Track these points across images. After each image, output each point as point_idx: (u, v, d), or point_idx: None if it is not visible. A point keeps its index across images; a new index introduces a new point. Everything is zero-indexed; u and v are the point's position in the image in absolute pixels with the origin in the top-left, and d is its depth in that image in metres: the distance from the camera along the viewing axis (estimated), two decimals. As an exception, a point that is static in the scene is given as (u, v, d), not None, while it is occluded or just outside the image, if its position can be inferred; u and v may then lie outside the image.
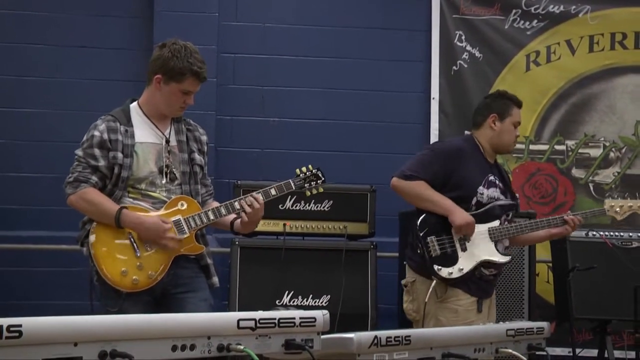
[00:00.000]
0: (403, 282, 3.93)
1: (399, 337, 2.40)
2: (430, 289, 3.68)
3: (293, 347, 2.22)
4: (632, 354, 5.09)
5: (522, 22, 5.86)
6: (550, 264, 5.26)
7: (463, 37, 5.85)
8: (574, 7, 5.86)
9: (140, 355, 1.90)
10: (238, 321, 2.12)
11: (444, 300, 3.72)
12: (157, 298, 3.24)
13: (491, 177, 3.87)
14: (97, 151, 3.23)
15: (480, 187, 3.81)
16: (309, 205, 4.72)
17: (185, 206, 3.28)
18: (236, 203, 3.32)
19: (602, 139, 5.86)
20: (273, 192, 3.38)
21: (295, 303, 4.53)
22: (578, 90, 5.87)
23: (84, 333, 1.83)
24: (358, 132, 5.80)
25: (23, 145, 5.59)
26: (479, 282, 3.78)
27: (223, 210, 3.31)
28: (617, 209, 4.03)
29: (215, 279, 3.38)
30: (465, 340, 2.67)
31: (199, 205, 3.33)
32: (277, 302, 4.50)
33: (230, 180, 5.04)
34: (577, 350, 4.82)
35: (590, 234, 4.77)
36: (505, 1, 5.86)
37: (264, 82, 5.79)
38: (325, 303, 4.55)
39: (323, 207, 4.74)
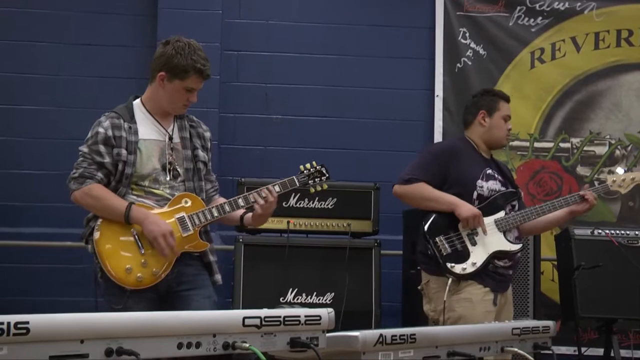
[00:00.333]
0: (419, 287, 3.95)
1: (404, 335, 2.38)
2: (448, 286, 3.68)
3: (298, 345, 2.21)
4: (639, 353, 5.07)
5: (526, 19, 5.84)
6: (555, 262, 5.25)
7: (467, 34, 5.83)
8: (579, 3, 5.84)
9: (146, 353, 1.89)
10: (243, 319, 2.11)
11: (459, 292, 3.74)
12: (162, 295, 3.23)
13: (489, 171, 3.91)
14: (102, 148, 3.22)
15: (479, 181, 3.85)
16: (312, 203, 4.71)
17: (189, 203, 3.28)
18: (240, 200, 3.32)
19: (608, 136, 5.84)
20: (277, 188, 3.38)
21: (299, 300, 4.52)
22: (583, 87, 5.84)
23: (91, 330, 1.83)
24: (362, 130, 5.79)
25: (26, 142, 5.59)
26: (494, 275, 3.80)
27: (227, 207, 3.31)
28: (620, 183, 4.03)
29: (218, 277, 3.38)
30: (470, 339, 2.66)
31: (203, 202, 3.32)
32: (281, 299, 4.49)
33: (233, 177, 5.03)
34: (583, 350, 4.80)
35: (595, 232, 4.75)
36: (510, -2, 5.86)
37: (268, 79, 5.77)
38: (329, 300, 4.54)
39: (327, 205, 4.73)
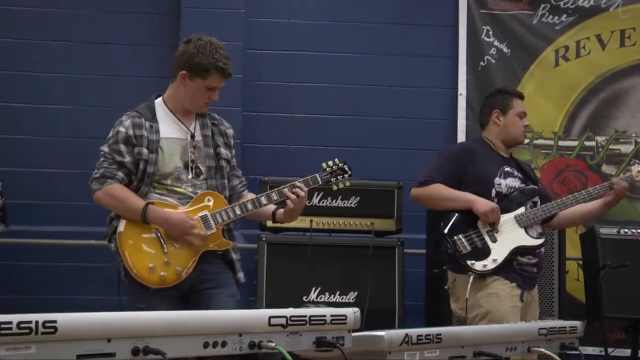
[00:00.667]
0: (446, 287, 3.94)
1: (430, 335, 2.37)
2: (470, 283, 3.66)
3: (324, 344, 2.20)
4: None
5: (550, 16, 5.80)
6: (581, 262, 5.20)
7: (490, 33, 5.80)
8: (604, 1, 5.79)
9: (172, 352, 1.89)
10: (269, 318, 2.11)
11: (485, 287, 3.71)
12: (185, 293, 3.23)
13: (507, 168, 3.89)
14: (122, 147, 3.23)
15: (497, 178, 3.83)
16: (335, 202, 4.70)
17: (212, 202, 3.28)
18: (263, 198, 3.31)
19: (634, 134, 5.78)
20: (300, 185, 3.36)
21: (322, 299, 4.52)
22: (608, 85, 5.78)
23: (118, 329, 1.83)
24: (384, 128, 5.77)
25: (49, 141, 5.62)
26: (520, 271, 3.76)
27: (250, 206, 3.30)
28: None
29: (241, 275, 3.37)
30: (496, 339, 2.64)
31: (226, 200, 3.32)
32: (304, 298, 4.49)
33: (256, 176, 5.03)
34: (609, 350, 4.75)
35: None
36: (534, -5, 5.81)
37: (290, 78, 5.77)
38: (352, 299, 4.53)
39: (350, 204, 4.72)
